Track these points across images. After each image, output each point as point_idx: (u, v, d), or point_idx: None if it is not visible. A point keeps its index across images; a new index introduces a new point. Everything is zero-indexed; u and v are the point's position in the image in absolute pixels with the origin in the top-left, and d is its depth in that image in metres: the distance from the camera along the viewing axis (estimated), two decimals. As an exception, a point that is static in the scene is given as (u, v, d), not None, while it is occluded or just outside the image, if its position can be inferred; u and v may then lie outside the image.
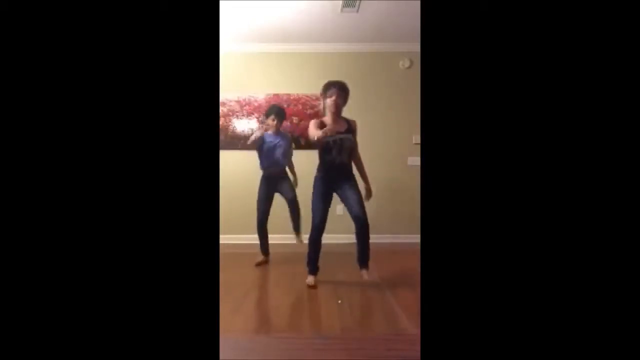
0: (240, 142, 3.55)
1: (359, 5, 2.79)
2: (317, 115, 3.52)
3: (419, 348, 1.27)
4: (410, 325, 1.59)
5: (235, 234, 3.50)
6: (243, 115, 3.57)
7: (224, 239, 3.39)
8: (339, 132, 2.07)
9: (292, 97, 3.56)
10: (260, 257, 2.70)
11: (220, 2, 2.70)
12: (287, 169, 2.72)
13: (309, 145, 3.48)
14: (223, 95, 3.53)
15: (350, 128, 2.15)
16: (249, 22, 3.08)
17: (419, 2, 2.66)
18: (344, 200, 2.15)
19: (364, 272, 2.16)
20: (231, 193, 3.50)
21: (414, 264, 2.66)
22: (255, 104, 3.56)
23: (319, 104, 3.54)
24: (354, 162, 2.23)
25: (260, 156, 2.62)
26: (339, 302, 1.88)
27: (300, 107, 3.55)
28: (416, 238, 3.47)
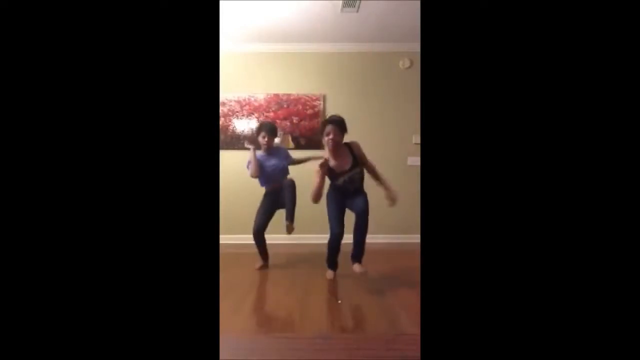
0: (240, 142, 3.55)
1: (359, 5, 2.78)
2: (317, 115, 3.53)
3: (419, 348, 1.27)
4: (410, 325, 1.59)
5: (235, 234, 3.50)
6: (243, 115, 3.57)
7: (224, 239, 3.40)
8: (345, 172, 2.08)
9: (292, 97, 3.56)
10: (260, 262, 2.67)
11: (220, 2, 2.70)
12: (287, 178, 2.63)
13: (309, 145, 3.51)
14: (223, 95, 3.53)
15: (355, 156, 2.11)
16: (249, 22, 3.07)
17: (419, 2, 2.66)
18: (352, 206, 2.14)
19: (356, 265, 2.13)
20: (231, 193, 3.50)
21: (414, 264, 2.65)
22: (255, 104, 3.56)
23: (319, 104, 3.55)
24: (368, 172, 2.20)
25: (261, 178, 2.54)
26: (339, 302, 1.88)
27: (300, 107, 3.55)
28: (416, 238, 3.47)
